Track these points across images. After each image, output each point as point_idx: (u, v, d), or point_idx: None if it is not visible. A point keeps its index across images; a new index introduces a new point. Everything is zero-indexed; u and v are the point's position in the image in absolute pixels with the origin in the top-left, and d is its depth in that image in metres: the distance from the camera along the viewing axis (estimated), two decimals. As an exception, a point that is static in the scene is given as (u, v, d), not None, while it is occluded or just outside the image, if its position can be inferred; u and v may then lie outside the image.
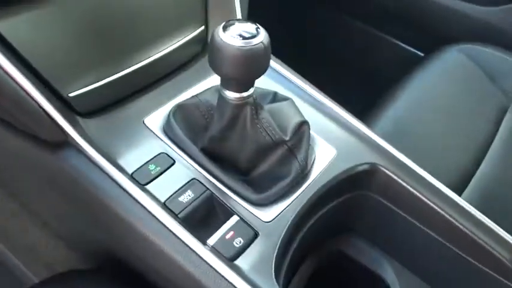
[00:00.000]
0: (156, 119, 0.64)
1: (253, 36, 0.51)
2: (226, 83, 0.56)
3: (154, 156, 0.60)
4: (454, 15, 1.23)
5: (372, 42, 1.38)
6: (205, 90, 0.66)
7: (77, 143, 0.58)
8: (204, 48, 0.73)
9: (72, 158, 0.58)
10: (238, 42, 0.51)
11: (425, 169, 0.67)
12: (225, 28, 0.52)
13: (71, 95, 0.59)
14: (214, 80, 0.69)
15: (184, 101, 0.64)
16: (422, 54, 1.28)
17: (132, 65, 0.64)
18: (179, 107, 0.63)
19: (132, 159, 0.59)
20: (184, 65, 0.71)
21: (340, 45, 1.46)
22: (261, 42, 0.51)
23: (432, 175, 0.67)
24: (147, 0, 0.64)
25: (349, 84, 1.39)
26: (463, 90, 1.09)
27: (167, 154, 0.61)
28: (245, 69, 0.52)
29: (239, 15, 0.76)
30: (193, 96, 0.65)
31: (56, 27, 0.57)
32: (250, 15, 0.84)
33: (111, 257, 0.70)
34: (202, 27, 0.72)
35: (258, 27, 0.52)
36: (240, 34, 0.51)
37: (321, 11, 1.44)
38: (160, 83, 0.68)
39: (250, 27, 0.52)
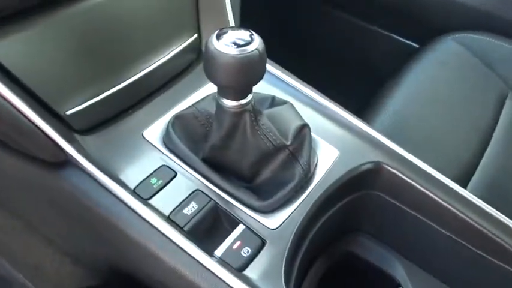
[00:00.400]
0: (155, 131, 0.63)
1: (248, 44, 0.50)
2: (223, 92, 0.55)
3: (156, 170, 0.59)
4: (446, 4, 1.22)
5: (366, 37, 1.37)
6: (202, 99, 0.65)
7: (77, 161, 0.57)
8: (198, 57, 0.73)
9: (73, 177, 0.58)
10: (233, 51, 0.50)
11: (428, 163, 0.67)
12: (218, 37, 0.51)
13: (68, 113, 0.59)
14: (211, 88, 0.68)
15: (182, 111, 0.64)
16: (417, 46, 1.27)
17: (128, 79, 0.63)
18: (177, 118, 0.63)
19: (134, 174, 0.59)
20: (179, 75, 0.71)
21: (335, 43, 1.45)
22: (256, 48, 0.50)
23: (436, 169, 0.66)
24: (137, 12, 0.64)
25: (347, 81, 1.38)
26: (461, 80, 1.08)
27: (168, 166, 0.60)
28: (241, 77, 0.52)
29: (231, 20, 0.75)
30: (190, 106, 0.64)
31: (48, 46, 0.56)
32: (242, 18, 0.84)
33: (118, 272, 0.69)
34: (196, 36, 0.71)
35: (252, 34, 0.52)
36: (234, 42, 0.50)
37: (313, 9, 1.44)
38: (156, 95, 0.68)
39: (244, 34, 0.51)
